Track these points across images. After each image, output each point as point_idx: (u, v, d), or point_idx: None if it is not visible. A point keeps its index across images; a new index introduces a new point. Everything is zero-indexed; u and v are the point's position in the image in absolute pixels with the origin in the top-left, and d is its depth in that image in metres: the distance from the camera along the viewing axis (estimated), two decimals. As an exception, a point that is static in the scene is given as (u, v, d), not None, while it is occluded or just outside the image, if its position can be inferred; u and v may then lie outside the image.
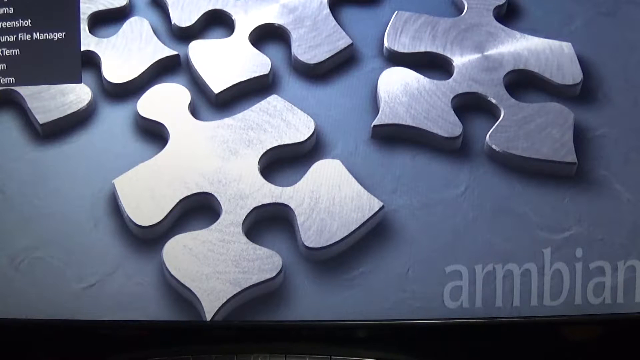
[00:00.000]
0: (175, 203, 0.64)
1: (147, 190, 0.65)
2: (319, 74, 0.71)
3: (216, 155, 0.66)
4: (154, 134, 0.68)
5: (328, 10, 0.73)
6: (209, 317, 0.61)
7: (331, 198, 0.64)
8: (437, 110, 0.68)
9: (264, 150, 0.67)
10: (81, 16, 0.71)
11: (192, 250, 0.63)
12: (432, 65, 0.71)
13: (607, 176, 0.66)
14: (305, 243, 0.63)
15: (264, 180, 0.66)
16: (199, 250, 0.63)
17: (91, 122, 0.69)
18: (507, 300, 0.62)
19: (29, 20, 0.70)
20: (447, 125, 0.67)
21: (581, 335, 0.63)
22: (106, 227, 0.65)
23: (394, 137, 0.68)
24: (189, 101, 0.69)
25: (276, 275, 0.62)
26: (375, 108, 0.69)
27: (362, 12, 0.74)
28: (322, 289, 0.62)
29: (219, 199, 0.65)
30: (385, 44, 0.71)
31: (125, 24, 0.73)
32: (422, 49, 0.71)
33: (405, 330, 0.62)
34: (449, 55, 0.71)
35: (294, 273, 0.63)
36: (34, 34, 0.70)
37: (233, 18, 0.73)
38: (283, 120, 0.68)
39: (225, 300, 0.61)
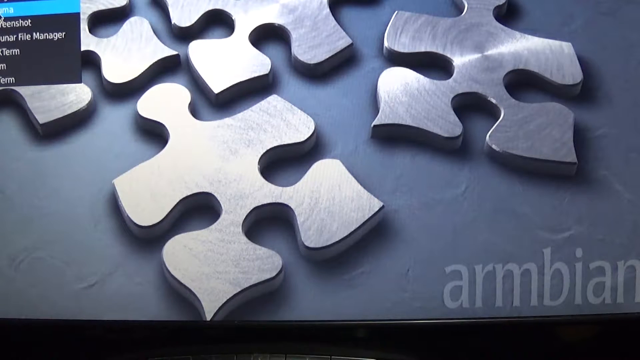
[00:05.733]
0: (175, 203, 0.64)
1: (147, 190, 0.65)
2: (319, 74, 0.71)
3: (216, 155, 0.66)
4: (154, 134, 0.68)
5: (328, 10, 0.73)
6: (209, 317, 0.61)
7: (331, 198, 0.64)
8: (437, 110, 0.68)
9: (264, 150, 0.67)
10: (81, 16, 0.71)
11: (192, 250, 0.63)
12: (432, 65, 0.71)
13: (607, 176, 0.66)
14: (305, 243, 0.63)
15: (264, 180, 0.66)
16: (199, 250, 0.63)
17: (91, 122, 0.69)
18: (507, 300, 0.62)
19: (29, 20, 0.70)
20: (447, 125, 0.67)
21: (581, 335, 0.63)
22: (106, 227, 0.65)
23: (394, 137, 0.68)
24: (189, 101, 0.69)
25: (276, 275, 0.62)
26: (375, 108, 0.69)
27: (362, 12, 0.74)
28: (322, 289, 0.62)
29: (219, 199, 0.65)
30: (385, 44, 0.71)
31: (125, 24, 0.73)
32: (422, 49, 0.71)
33: (405, 330, 0.62)
34: (449, 55, 0.71)
35: (294, 273, 0.63)
36: (34, 34, 0.70)
37: (233, 18, 0.73)
38: (283, 120, 0.68)
39: (225, 300, 0.61)
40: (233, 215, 0.64)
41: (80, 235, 0.65)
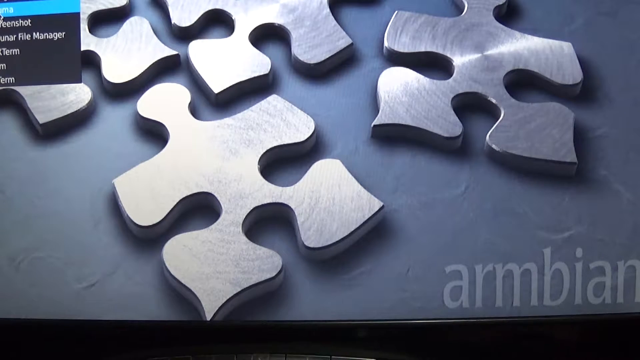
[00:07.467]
0: (175, 203, 0.64)
1: (147, 190, 0.65)
2: (319, 74, 0.71)
3: (216, 155, 0.66)
4: (154, 134, 0.68)
5: (328, 10, 0.73)
6: (209, 317, 0.61)
7: (331, 198, 0.64)
8: (437, 110, 0.68)
9: (264, 150, 0.67)
10: (81, 16, 0.71)
11: (192, 250, 0.63)
12: (432, 65, 0.71)
13: (607, 176, 0.66)
14: (305, 243, 0.63)
15: (264, 180, 0.66)
16: (199, 250, 0.63)
17: (91, 122, 0.69)
18: (507, 300, 0.62)
19: (29, 20, 0.70)
20: (447, 125, 0.67)
21: (581, 335, 0.63)
22: (106, 227, 0.65)
23: (394, 137, 0.68)
24: (189, 101, 0.69)
25: (276, 275, 0.62)
26: (375, 108, 0.69)
27: (362, 12, 0.74)
28: (322, 289, 0.62)
29: (219, 198, 0.65)
30: (385, 43, 0.71)
31: (125, 24, 0.73)
32: (422, 49, 0.71)
33: (405, 330, 0.62)
34: (449, 55, 0.71)
35: (294, 273, 0.63)
36: (34, 34, 0.70)
37: (233, 18, 0.73)
38: (283, 120, 0.68)
39: (225, 300, 0.61)
40: (233, 215, 0.64)
41: (80, 235, 0.65)
